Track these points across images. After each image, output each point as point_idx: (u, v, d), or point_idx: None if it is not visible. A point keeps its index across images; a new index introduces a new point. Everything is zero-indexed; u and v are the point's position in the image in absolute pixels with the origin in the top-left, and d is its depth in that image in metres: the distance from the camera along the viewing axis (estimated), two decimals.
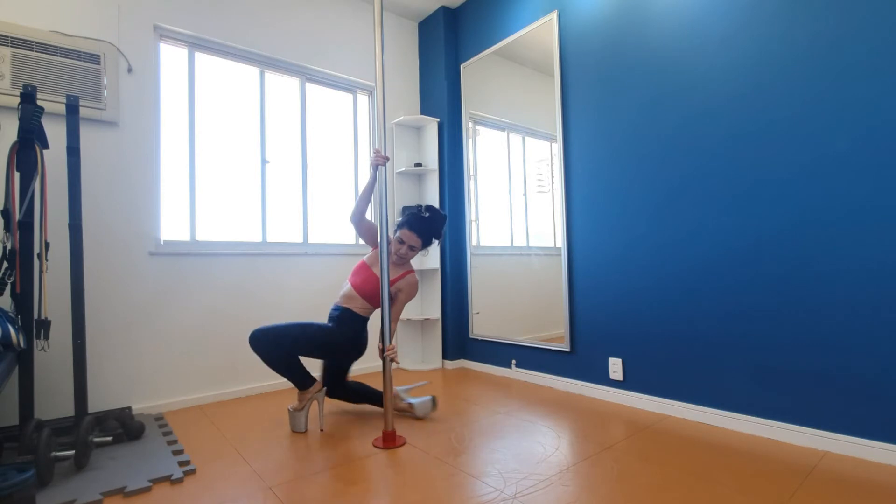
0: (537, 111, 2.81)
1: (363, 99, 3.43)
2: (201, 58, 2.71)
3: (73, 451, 1.63)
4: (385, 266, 1.94)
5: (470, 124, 3.31)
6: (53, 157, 2.12)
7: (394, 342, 2.08)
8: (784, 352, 1.82)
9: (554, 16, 2.68)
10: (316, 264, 3.00)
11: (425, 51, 3.60)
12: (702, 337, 2.05)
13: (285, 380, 2.82)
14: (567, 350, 2.61)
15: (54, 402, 2.12)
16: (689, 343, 2.10)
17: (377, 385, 2.67)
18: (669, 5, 2.17)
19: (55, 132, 2.12)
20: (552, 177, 2.73)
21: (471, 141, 3.30)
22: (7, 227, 1.73)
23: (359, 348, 2.19)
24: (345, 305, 2.18)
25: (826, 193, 1.72)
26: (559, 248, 2.67)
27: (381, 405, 2.25)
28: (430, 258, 3.39)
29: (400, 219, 2.27)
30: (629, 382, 2.33)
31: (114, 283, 2.30)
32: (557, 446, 1.81)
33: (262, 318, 2.76)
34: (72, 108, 1.91)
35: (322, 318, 2.99)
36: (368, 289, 2.16)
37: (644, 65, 2.27)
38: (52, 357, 2.13)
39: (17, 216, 1.73)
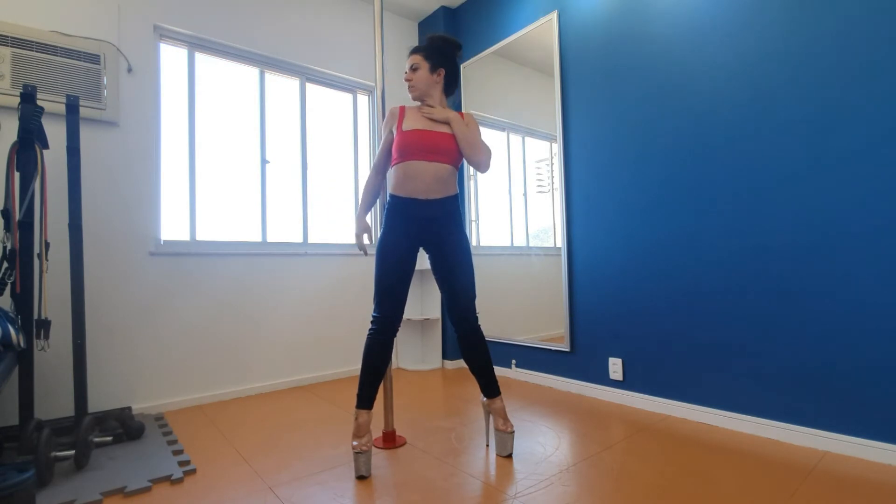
0: (537, 111, 2.81)
1: (363, 99, 3.43)
2: (201, 58, 2.71)
3: (73, 451, 1.63)
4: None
5: None
6: (53, 157, 2.12)
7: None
8: (784, 352, 1.82)
9: (554, 16, 2.68)
10: (316, 264, 3.00)
11: None
12: (702, 337, 2.05)
13: (287, 379, 2.85)
14: (567, 350, 2.61)
15: (54, 402, 2.12)
16: (689, 343, 2.10)
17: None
18: (670, 5, 2.17)
19: (55, 132, 2.12)
20: (552, 177, 2.73)
21: None
22: (7, 227, 1.73)
23: None
24: (453, 193, 1.81)
25: (827, 194, 1.72)
26: (559, 248, 2.67)
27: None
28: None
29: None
30: (629, 382, 2.32)
31: (114, 283, 2.30)
32: (557, 446, 1.81)
33: (263, 318, 2.76)
34: (72, 108, 1.91)
35: (322, 318, 3.01)
36: (453, 149, 1.79)
37: (644, 64, 2.27)
38: (52, 357, 2.13)
39: (17, 216, 1.73)
